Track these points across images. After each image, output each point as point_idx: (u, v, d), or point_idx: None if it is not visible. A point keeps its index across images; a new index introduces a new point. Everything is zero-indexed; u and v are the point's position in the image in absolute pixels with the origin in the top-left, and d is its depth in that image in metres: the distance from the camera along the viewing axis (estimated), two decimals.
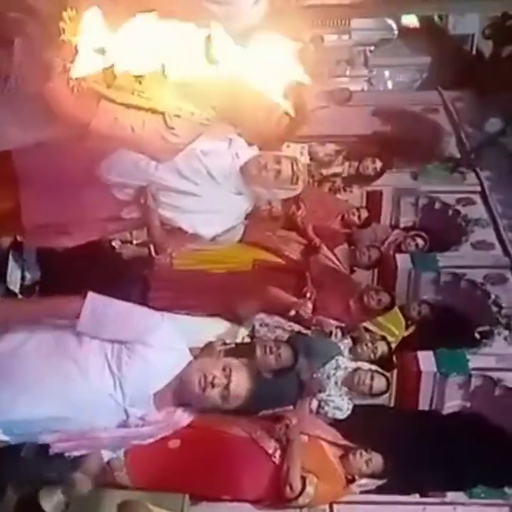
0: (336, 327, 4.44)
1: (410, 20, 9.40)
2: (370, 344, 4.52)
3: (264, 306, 4.19)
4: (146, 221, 3.24)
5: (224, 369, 2.45)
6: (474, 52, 8.65)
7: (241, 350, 3.10)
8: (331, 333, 4.39)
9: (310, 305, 4.26)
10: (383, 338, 4.65)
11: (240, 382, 2.46)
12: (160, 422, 2.51)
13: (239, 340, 3.64)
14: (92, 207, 3.14)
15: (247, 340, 3.71)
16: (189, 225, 3.22)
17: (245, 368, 2.52)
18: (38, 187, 3.02)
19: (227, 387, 2.43)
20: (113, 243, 3.53)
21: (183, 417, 2.61)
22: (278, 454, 3.76)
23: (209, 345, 2.68)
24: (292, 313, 4.20)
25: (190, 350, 2.59)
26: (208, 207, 3.22)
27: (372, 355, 4.49)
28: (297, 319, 4.23)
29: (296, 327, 4.15)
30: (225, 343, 2.73)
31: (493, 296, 5.46)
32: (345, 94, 6.54)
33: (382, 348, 4.55)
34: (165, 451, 3.53)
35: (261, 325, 3.91)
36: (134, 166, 3.05)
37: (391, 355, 4.69)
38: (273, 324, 4.00)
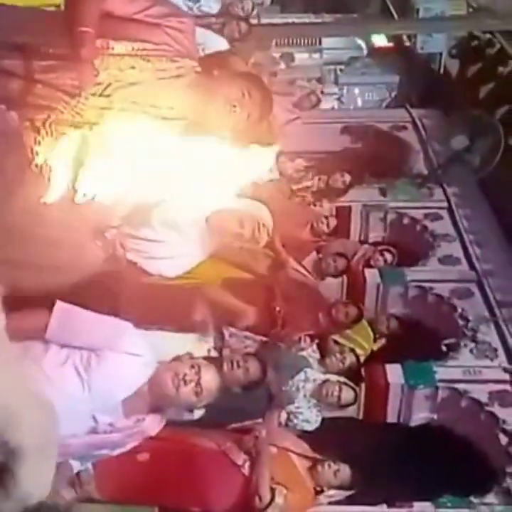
0: (305, 334, 4.50)
1: (379, 40, 9.60)
2: (338, 355, 4.59)
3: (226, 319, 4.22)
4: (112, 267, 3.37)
5: (193, 366, 2.54)
6: (442, 71, 8.84)
7: None
8: (299, 339, 4.45)
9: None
10: (352, 350, 4.72)
11: (210, 378, 2.56)
12: (129, 429, 2.55)
13: (207, 353, 3.68)
14: None
15: (214, 353, 3.76)
16: (155, 269, 3.43)
17: (213, 365, 2.61)
18: None
19: (198, 383, 2.52)
20: None
21: (153, 425, 2.65)
22: (247, 465, 3.78)
23: (176, 359, 2.74)
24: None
25: (159, 363, 2.64)
26: (174, 253, 3.42)
27: (340, 365, 4.56)
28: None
29: (265, 338, 4.19)
30: (192, 357, 2.79)
31: (459, 310, 5.56)
32: (312, 99, 6.65)
33: (350, 358, 4.62)
34: (134, 464, 3.53)
35: (230, 336, 3.95)
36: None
37: (359, 367, 4.76)
38: (242, 335, 4.04)
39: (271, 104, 3.00)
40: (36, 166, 2.64)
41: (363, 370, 4.88)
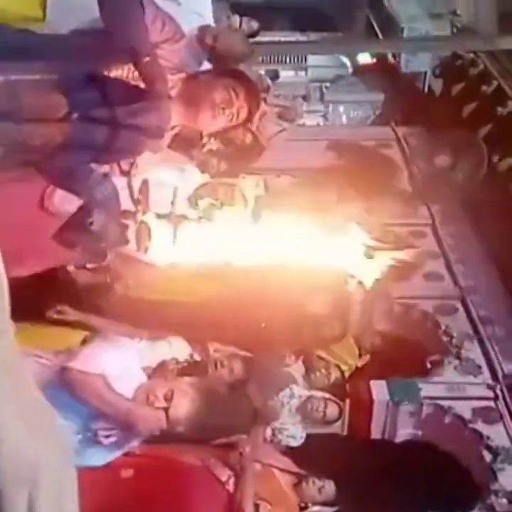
0: (290, 350, 4.51)
1: (364, 58, 9.69)
2: (323, 370, 4.59)
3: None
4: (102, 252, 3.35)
5: (167, 393, 2.53)
6: (426, 89, 8.93)
7: (193, 369, 3.15)
8: (284, 355, 4.45)
9: None
10: (337, 366, 4.72)
11: (180, 407, 2.53)
12: None
13: (189, 357, 3.67)
14: (45, 234, 3.18)
15: (197, 356, 3.76)
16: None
17: (193, 390, 2.58)
18: None
19: (166, 411, 2.51)
20: (68, 267, 3.57)
21: None
22: (232, 481, 3.78)
23: (162, 365, 2.74)
24: None
25: (144, 369, 2.63)
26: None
27: (326, 381, 4.56)
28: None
29: (250, 354, 4.19)
30: (178, 362, 2.79)
31: (443, 326, 5.56)
32: (295, 111, 6.69)
33: (335, 373, 4.63)
34: (117, 481, 3.51)
35: (215, 351, 3.95)
36: None
37: (344, 383, 4.76)
38: (227, 351, 4.04)
39: (258, 97, 3.02)
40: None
41: (347, 386, 4.88)
